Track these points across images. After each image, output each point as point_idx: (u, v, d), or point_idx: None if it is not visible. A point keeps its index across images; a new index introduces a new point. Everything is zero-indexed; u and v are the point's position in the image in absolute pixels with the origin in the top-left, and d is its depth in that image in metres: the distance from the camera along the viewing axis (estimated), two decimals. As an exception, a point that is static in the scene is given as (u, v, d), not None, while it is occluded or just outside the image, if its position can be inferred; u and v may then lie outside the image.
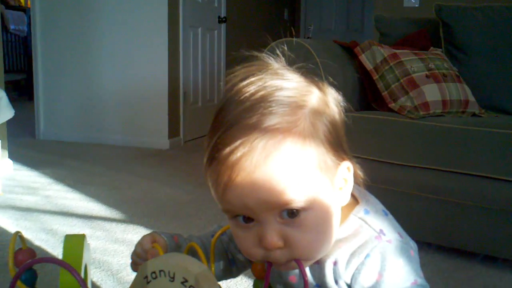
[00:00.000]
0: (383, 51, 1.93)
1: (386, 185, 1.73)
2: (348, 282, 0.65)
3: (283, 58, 0.67)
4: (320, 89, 0.64)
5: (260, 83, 0.61)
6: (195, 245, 0.70)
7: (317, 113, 0.61)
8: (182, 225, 1.96)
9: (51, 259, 0.61)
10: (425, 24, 2.32)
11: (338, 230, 0.65)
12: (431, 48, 2.07)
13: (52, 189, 2.42)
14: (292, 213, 0.58)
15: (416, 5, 3.97)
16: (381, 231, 0.64)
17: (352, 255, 0.64)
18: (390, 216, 0.70)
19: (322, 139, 0.60)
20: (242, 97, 0.60)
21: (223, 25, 4.42)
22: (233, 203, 0.58)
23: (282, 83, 0.61)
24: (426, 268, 0.73)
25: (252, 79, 0.61)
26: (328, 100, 0.64)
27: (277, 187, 0.57)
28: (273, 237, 0.59)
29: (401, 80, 1.84)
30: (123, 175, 2.76)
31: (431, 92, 1.80)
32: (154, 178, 2.72)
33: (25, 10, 6.48)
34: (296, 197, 0.57)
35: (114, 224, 1.95)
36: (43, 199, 2.25)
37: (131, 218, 2.03)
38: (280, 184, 0.57)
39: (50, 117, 3.84)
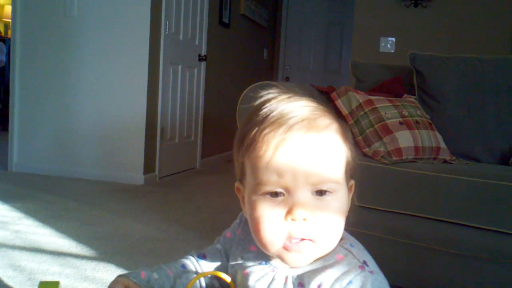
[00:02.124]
0: (359, 97, 1.98)
1: (357, 228, 1.72)
2: None
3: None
4: None
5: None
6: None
7: (345, 127, 0.73)
8: (154, 264, 1.92)
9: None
10: (400, 71, 2.39)
11: (326, 255, 0.70)
12: (405, 95, 2.13)
13: (22, 224, 2.37)
14: (321, 192, 0.67)
15: (392, 51, 4.09)
16: (364, 262, 0.69)
17: (336, 280, 0.67)
18: (371, 256, 0.74)
19: (349, 145, 0.71)
20: (286, 95, 0.72)
21: (203, 63, 4.47)
22: (280, 169, 0.65)
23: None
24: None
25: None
26: None
27: (322, 160, 0.66)
28: (304, 207, 0.66)
29: (376, 126, 1.88)
30: (96, 211, 2.72)
31: (404, 139, 1.84)
32: (127, 215, 2.69)
33: (4, 40, 6.45)
34: (332, 177, 0.67)
35: (84, 262, 1.91)
36: (12, 234, 2.20)
37: (102, 255, 2.00)
38: (324, 158, 0.66)
39: (24, 149, 3.79)
